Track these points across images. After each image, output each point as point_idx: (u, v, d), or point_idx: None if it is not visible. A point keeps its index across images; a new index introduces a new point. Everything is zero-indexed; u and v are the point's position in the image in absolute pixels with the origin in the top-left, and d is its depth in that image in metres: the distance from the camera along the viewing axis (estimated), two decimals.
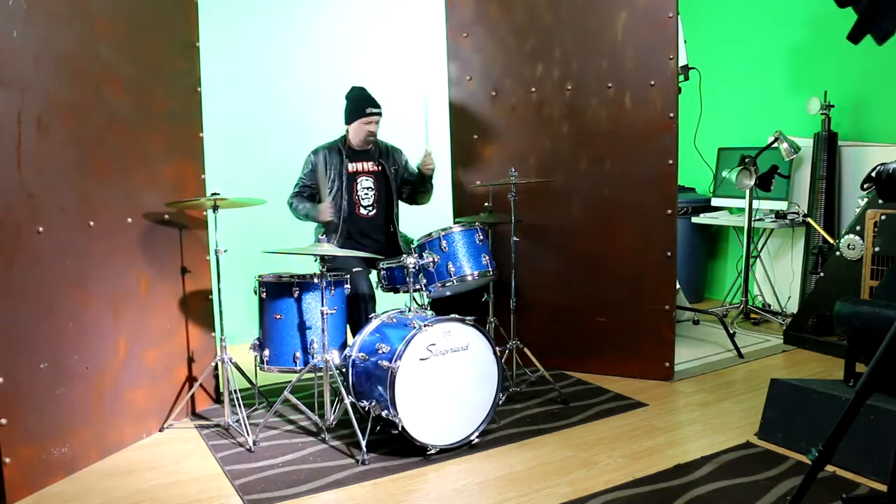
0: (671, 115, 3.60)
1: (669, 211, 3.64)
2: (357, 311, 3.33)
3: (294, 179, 3.68)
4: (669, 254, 3.65)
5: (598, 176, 3.81)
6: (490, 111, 4.03)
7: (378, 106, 3.59)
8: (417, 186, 3.80)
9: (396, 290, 3.29)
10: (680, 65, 4.55)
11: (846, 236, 3.99)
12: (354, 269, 3.39)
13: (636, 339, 3.77)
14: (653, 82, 3.63)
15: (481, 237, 3.30)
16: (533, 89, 3.90)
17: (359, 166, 3.66)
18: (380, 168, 3.70)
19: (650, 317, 3.71)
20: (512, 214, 3.40)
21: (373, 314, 3.15)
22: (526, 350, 3.47)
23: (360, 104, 3.58)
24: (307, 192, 3.64)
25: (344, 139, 3.67)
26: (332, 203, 3.55)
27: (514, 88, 3.96)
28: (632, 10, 3.64)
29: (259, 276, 3.19)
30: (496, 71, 4.00)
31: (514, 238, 3.43)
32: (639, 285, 3.73)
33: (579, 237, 3.87)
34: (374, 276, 3.50)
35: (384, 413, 2.80)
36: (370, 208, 3.69)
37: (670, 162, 3.62)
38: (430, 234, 3.23)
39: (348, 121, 3.62)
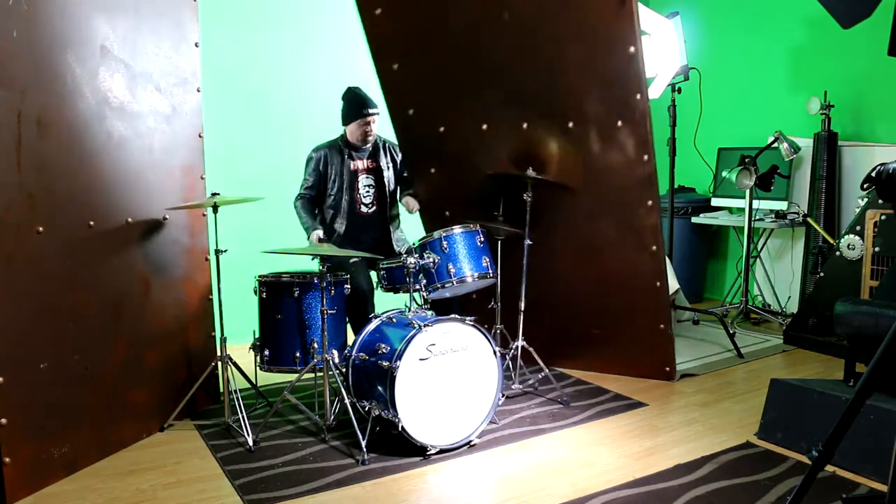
0: (646, 157, 3.37)
1: (654, 248, 3.53)
2: (357, 305, 3.33)
3: (294, 178, 3.68)
4: (659, 284, 3.58)
5: (574, 220, 3.66)
6: (440, 147, 3.72)
7: (374, 105, 3.58)
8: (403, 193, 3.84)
9: (396, 290, 3.29)
10: (680, 65, 4.57)
11: (846, 236, 3.99)
12: (352, 260, 3.39)
13: (635, 349, 3.75)
14: (620, 123, 3.39)
15: (482, 239, 3.29)
16: (485, 126, 3.65)
17: (359, 164, 3.67)
18: (377, 165, 3.71)
19: (647, 334, 3.68)
20: (527, 217, 3.38)
21: (372, 313, 3.15)
22: (530, 349, 3.47)
23: (356, 106, 3.57)
24: (309, 196, 3.63)
25: (343, 138, 3.67)
26: (324, 238, 3.42)
27: (462, 123, 3.66)
28: (589, 41, 3.32)
29: (259, 276, 3.20)
30: (440, 104, 3.65)
31: (528, 241, 3.43)
32: (632, 308, 3.68)
33: (567, 266, 3.77)
34: (373, 275, 3.50)
35: (384, 413, 2.80)
36: (370, 206, 3.69)
37: (650, 203, 3.46)
38: (431, 235, 3.23)
39: (345, 122, 3.62)
